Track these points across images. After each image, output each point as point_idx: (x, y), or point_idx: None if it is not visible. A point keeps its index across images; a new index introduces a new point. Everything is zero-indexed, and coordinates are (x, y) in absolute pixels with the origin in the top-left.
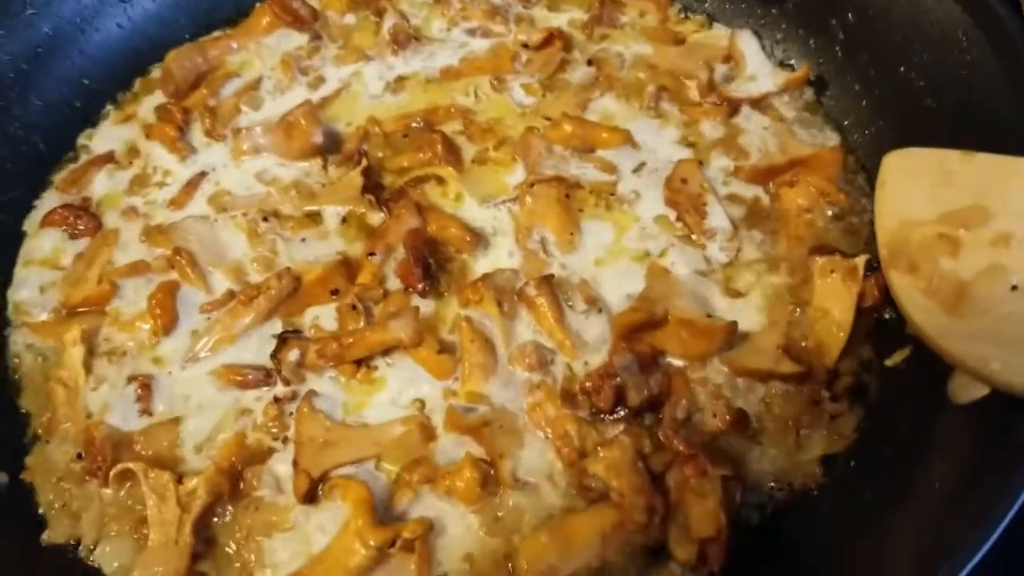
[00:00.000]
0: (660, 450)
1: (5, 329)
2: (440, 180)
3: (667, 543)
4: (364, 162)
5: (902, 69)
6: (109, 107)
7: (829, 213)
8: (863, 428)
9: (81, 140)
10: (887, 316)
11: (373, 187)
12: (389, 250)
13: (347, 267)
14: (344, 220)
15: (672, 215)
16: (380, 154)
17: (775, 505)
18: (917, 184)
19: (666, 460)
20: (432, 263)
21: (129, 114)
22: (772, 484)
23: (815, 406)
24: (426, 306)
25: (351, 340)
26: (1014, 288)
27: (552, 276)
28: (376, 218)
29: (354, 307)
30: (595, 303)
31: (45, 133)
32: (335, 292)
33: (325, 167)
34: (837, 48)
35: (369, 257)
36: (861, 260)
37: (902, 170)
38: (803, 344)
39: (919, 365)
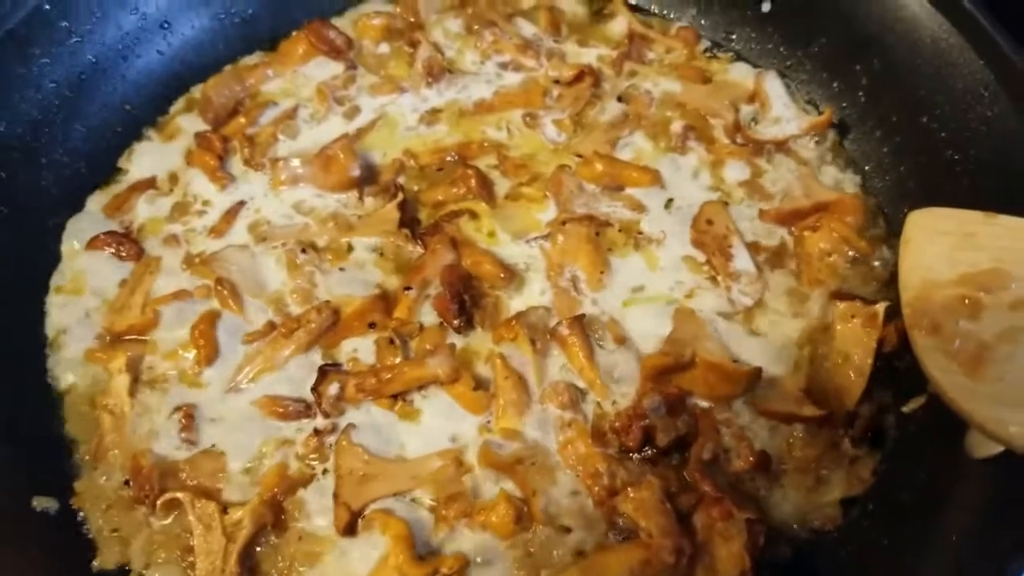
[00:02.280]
0: (686, 490)
1: (48, 354)
2: (474, 215)
3: None
4: (400, 195)
5: (924, 119)
6: (149, 130)
7: (850, 257)
8: (881, 472)
9: (121, 163)
10: (906, 363)
11: (409, 221)
12: (425, 284)
13: (384, 301)
14: (381, 253)
15: (699, 256)
16: (415, 187)
17: (795, 546)
18: (940, 244)
19: (692, 500)
20: (467, 299)
21: (170, 135)
22: (793, 526)
23: (834, 449)
24: (461, 341)
25: (389, 375)
26: None
27: (583, 316)
28: (412, 251)
29: (392, 341)
30: (624, 342)
31: (88, 159)
32: (372, 325)
33: (361, 198)
34: (860, 93)
35: (405, 291)
36: (881, 307)
37: (926, 229)
38: (823, 388)
39: (937, 413)
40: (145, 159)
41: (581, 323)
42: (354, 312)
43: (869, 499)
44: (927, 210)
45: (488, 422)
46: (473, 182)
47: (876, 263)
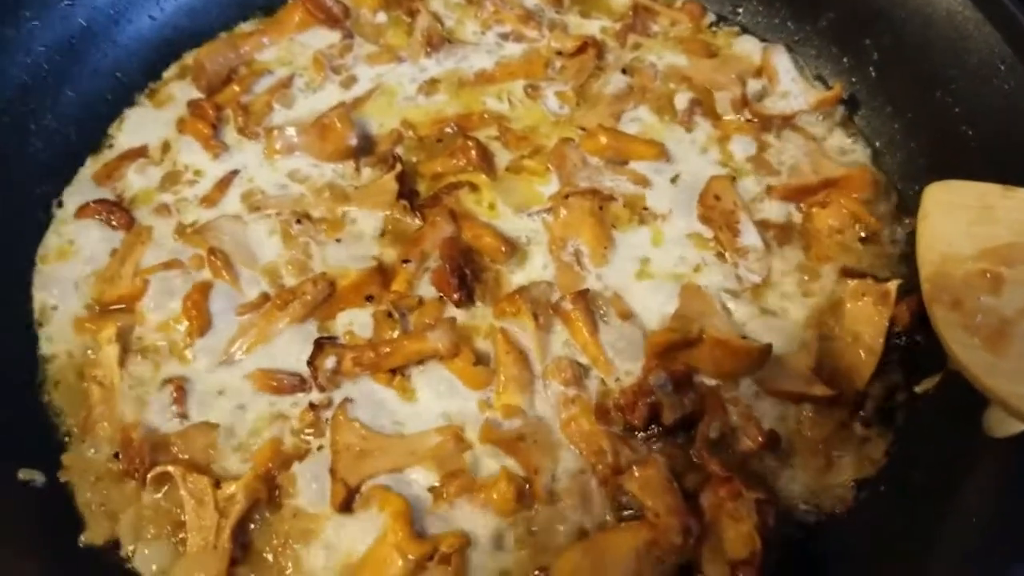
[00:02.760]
0: (692, 470)
1: (35, 324)
2: (474, 187)
3: (699, 563)
4: (399, 167)
5: (938, 94)
6: (141, 97)
7: (860, 235)
8: (893, 453)
9: (112, 130)
10: (918, 341)
11: (407, 192)
12: (424, 257)
13: (382, 273)
14: (378, 225)
15: (705, 232)
16: (414, 158)
17: (806, 527)
18: (958, 218)
19: (699, 480)
20: (468, 273)
21: (161, 102)
22: (803, 506)
23: (844, 429)
24: (461, 315)
25: (388, 349)
26: None
27: (587, 291)
28: (410, 223)
29: (390, 315)
30: (629, 318)
31: (78, 125)
32: (370, 298)
33: (358, 169)
34: (871, 68)
35: (403, 264)
36: (893, 285)
37: (944, 203)
38: (833, 367)
39: (951, 392)
40: (136, 127)
41: (585, 298)
42: (351, 284)
43: (881, 480)
44: (944, 183)
45: (489, 398)
46: (473, 153)
47: (887, 240)
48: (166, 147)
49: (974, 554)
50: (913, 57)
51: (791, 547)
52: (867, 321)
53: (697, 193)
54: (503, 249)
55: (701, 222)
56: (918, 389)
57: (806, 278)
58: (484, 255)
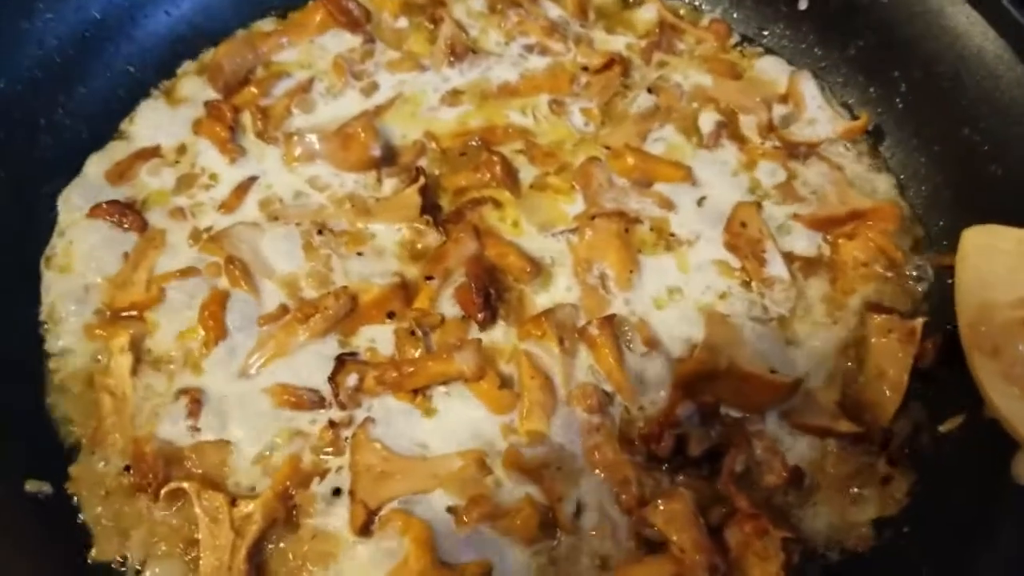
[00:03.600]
0: (718, 503)
1: (43, 329)
2: (497, 203)
3: None
4: (422, 180)
5: (966, 130)
6: (156, 94)
7: (886, 268)
8: (917, 493)
9: (125, 128)
10: (943, 380)
11: (430, 207)
12: (447, 275)
13: (404, 289)
14: (401, 239)
15: (731, 260)
16: (437, 171)
17: (826, 567)
18: (998, 263)
19: (724, 514)
20: (492, 292)
21: (176, 101)
22: (824, 545)
23: (868, 467)
24: (484, 336)
25: (411, 369)
26: None
27: (614, 316)
28: (432, 238)
29: (412, 333)
30: (654, 345)
31: (89, 122)
32: (391, 315)
33: (379, 180)
34: (898, 100)
35: (427, 281)
36: (919, 323)
37: (983, 247)
38: (857, 402)
39: (978, 434)
40: (151, 125)
41: (612, 324)
42: (372, 300)
43: (904, 521)
44: (984, 227)
45: (512, 422)
46: (498, 168)
47: (910, 274)
48: (182, 149)
49: None
50: (942, 91)
51: None
52: (892, 358)
53: (723, 218)
54: (528, 269)
55: (727, 249)
56: (943, 429)
57: (832, 310)
58: (508, 274)
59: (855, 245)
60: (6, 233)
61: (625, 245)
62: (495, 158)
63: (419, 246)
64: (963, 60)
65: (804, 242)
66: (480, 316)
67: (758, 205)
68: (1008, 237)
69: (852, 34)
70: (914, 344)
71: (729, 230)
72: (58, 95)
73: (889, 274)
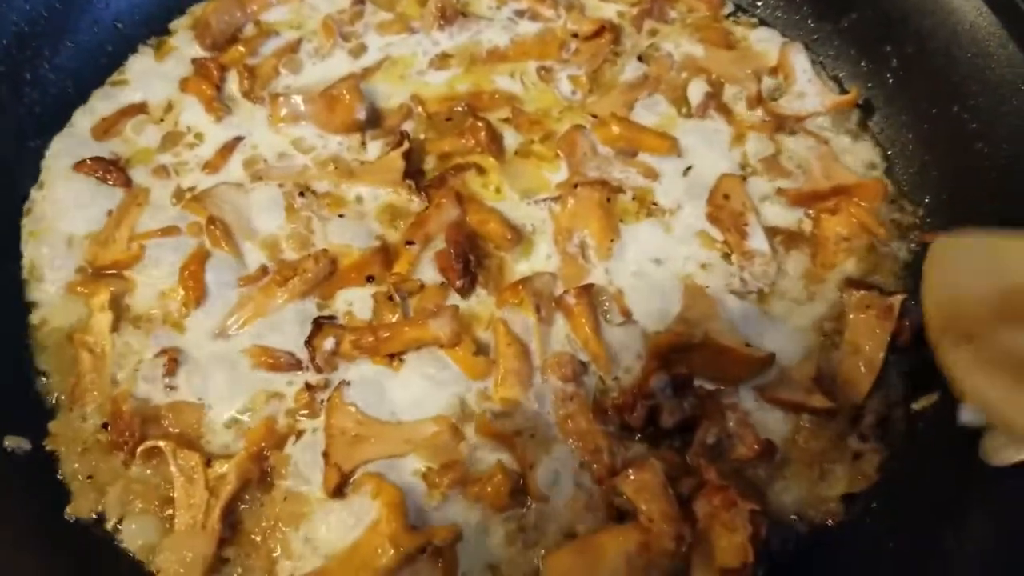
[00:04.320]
0: (687, 474)
1: (24, 284)
2: (481, 170)
3: (689, 569)
4: (406, 144)
5: (955, 108)
6: (144, 50)
7: (868, 244)
8: (887, 470)
9: (111, 83)
10: (919, 358)
11: (413, 172)
12: (428, 240)
13: (385, 253)
14: (381, 203)
15: (712, 231)
16: (422, 135)
17: (794, 540)
18: (967, 266)
19: (693, 485)
20: (472, 259)
21: (164, 56)
22: (793, 517)
23: (840, 442)
24: (462, 303)
25: (388, 334)
26: None
27: (592, 286)
28: (414, 203)
29: (391, 298)
30: (630, 316)
31: (75, 78)
32: (370, 278)
33: (364, 143)
34: (889, 75)
35: (407, 246)
36: (897, 300)
37: (950, 257)
38: (832, 378)
39: (949, 413)
40: (138, 81)
41: (589, 293)
42: (352, 264)
43: (873, 496)
44: (951, 240)
45: (487, 389)
46: (483, 135)
47: (893, 251)
48: (168, 106)
49: None
50: (933, 68)
51: (778, 559)
52: (869, 334)
53: (707, 190)
54: (508, 236)
55: (709, 221)
56: (916, 406)
57: (811, 285)
58: (489, 241)
59: (838, 220)
60: None
61: (607, 214)
62: (480, 124)
63: (400, 210)
64: (956, 36)
65: (786, 216)
66: (459, 283)
67: (742, 178)
68: (978, 240)
69: (846, 7)
70: (891, 321)
71: (712, 202)
72: (44, 49)
73: (870, 250)
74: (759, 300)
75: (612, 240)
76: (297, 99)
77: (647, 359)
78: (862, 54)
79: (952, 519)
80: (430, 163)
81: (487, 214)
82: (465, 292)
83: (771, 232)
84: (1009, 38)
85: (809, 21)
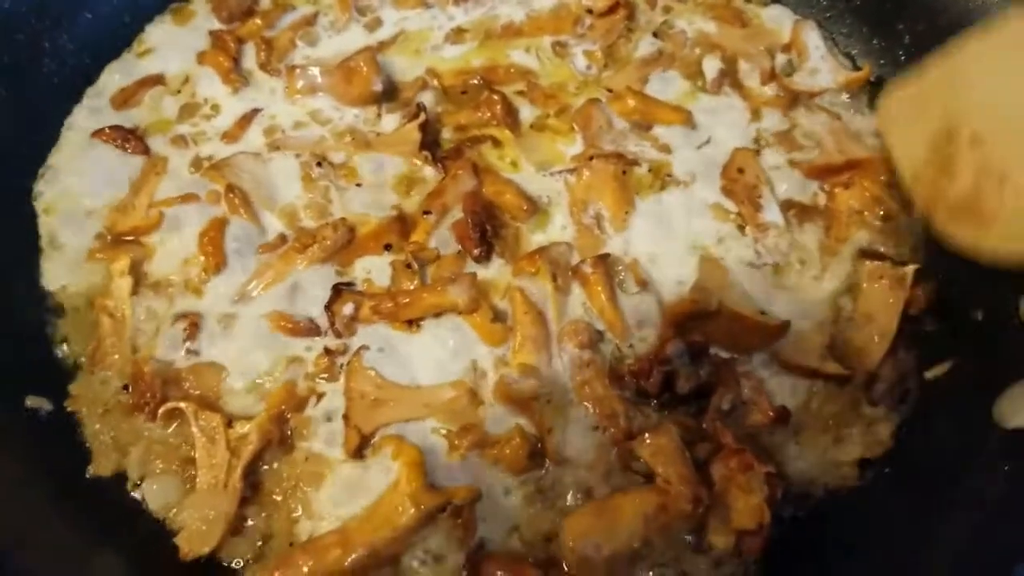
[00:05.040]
0: (704, 439)
1: (43, 250)
2: (496, 142)
3: (706, 530)
4: (422, 116)
5: None
6: (161, 19)
7: (880, 217)
8: (901, 437)
9: (129, 54)
10: (931, 327)
11: (429, 143)
12: (445, 210)
13: (402, 223)
14: (398, 173)
15: (726, 204)
16: (438, 108)
17: (810, 503)
18: (909, 118)
19: (710, 449)
20: (489, 228)
21: (184, 20)
22: (807, 483)
23: (854, 409)
24: (480, 271)
25: (407, 300)
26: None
27: (608, 255)
28: (431, 174)
29: (409, 266)
30: (646, 286)
31: (93, 48)
32: (388, 247)
33: (380, 115)
34: (901, 52)
35: (424, 215)
36: (910, 269)
37: (897, 108)
38: (846, 346)
39: (962, 381)
40: (157, 52)
41: (605, 263)
42: (370, 232)
43: (886, 463)
44: (893, 96)
45: (505, 355)
46: (499, 108)
47: (905, 224)
48: (185, 78)
49: (976, 551)
50: (945, 45)
51: (791, 523)
52: (882, 303)
53: (720, 164)
54: (524, 207)
55: (724, 194)
56: (928, 375)
57: (825, 257)
58: (505, 212)
59: (851, 194)
60: (9, 154)
61: (622, 187)
62: (496, 97)
63: (417, 181)
64: (967, 14)
65: (801, 189)
66: (476, 252)
67: (756, 152)
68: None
69: None
70: (904, 290)
71: (726, 175)
72: (62, 20)
73: (883, 223)
74: (774, 271)
75: (627, 212)
76: (314, 71)
77: (663, 327)
78: (874, 32)
79: (964, 484)
80: (446, 135)
81: (503, 185)
82: (482, 260)
83: (785, 205)
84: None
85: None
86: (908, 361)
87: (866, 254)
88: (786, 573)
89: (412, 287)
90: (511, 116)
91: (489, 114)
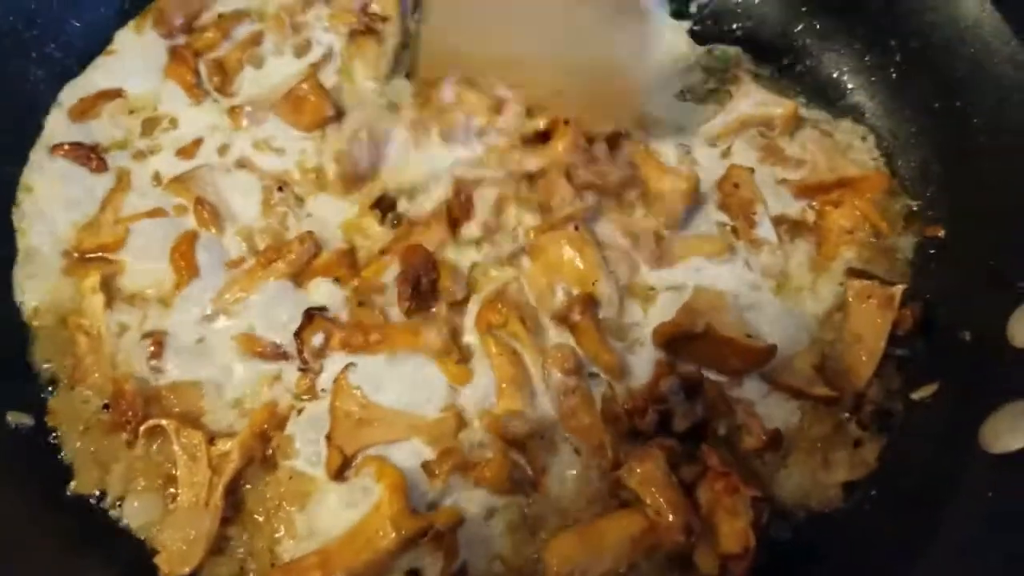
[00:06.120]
0: (689, 461)
1: (12, 269)
2: None
3: (692, 554)
4: None
5: (958, 103)
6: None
7: (870, 236)
8: (886, 459)
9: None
10: (919, 348)
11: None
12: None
13: (351, 256)
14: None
15: (722, 218)
16: None
17: (794, 527)
18: None
19: (695, 472)
20: (424, 281)
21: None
22: (792, 505)
23: (840, 430)
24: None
25: (378, 337)
26: None
27: (592, 297)
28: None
29: (361, 303)
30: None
31: (80, 56)
32: (337, 280)
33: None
34: (892, 70)
35: (380, 255)
36: (899, 290)
37: None
38: (834, 366)
39: (949, 403)
40: (118, 63)
41: (592, 304)
42: (321, 263)
43: (872, 485)
44: None
45: (492, 405)
46: None
47: (895, 243)
48: (148, 92)
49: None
50: (937, 63)
51: (777, 546)
52: (870, 323)
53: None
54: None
55: (719, 209)
56: (915, 396)
57: (814, 275)
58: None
59: (841, 213)
60: None
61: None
62: None
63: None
64: (960, 32)
65: (791, 206)
66: (407, 305)
67: (751, 169)
68: None
69: (852, 1)
70: (892, 310)
71: (722, 189)
72: (50, 28)
73: (873, 241)
74: (765, 291)
75: (594, 283)
76: (249, 109)
77: (655, 364)
78: (866, 48)
79: (949, 506)
80: None
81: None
82: (411, 314)
83: (776, 220)
84: (1012, 34)
85: (814, 15)
86: (895, 382)
87: (855, 273)
88: None
89: (381, 323)
90: None
91: None
